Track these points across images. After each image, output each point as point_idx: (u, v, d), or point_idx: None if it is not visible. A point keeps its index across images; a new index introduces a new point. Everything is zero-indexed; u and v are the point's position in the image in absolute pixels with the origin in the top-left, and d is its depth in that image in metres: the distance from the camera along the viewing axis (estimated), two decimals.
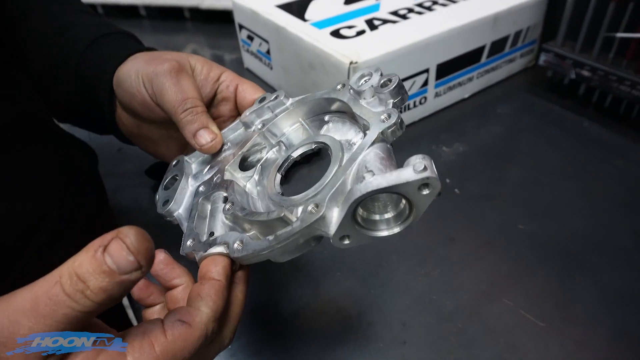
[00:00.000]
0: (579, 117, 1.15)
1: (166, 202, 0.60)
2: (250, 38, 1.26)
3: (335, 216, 0.42)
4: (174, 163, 0.66)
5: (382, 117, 0.47)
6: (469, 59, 1.14)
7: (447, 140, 1.09)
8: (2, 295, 0.34)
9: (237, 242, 0.48)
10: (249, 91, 0.66)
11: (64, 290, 0.32)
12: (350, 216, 0.42)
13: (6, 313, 0.32)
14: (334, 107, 0.57)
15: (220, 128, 0.65)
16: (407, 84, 1.06)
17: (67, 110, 0.75)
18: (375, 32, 1.05)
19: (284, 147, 0.60)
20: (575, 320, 0.72)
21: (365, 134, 0.50)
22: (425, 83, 1.09)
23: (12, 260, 0.56)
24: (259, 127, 0.60)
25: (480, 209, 0.92)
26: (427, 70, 1.07)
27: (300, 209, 0.48)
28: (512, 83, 1.30)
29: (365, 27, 1.07)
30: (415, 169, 0.38)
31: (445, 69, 1.11)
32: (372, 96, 0.50)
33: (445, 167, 1.02)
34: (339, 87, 0.55)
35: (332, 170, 0.49)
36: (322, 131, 0.57)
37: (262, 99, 0.62)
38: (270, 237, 0.45)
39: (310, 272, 0.81)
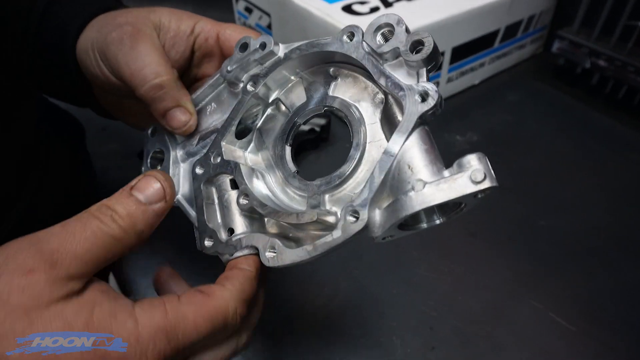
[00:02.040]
0: (589, 108, 1.11)
1: None
2: (249, 10, 1.16)
3: (377, 219, 0.38)
4: (149, 131, 0.56)
5: (418, 95, 0.38)
6: (483, 43, 1.09)
7: (459, 129, 1.04)
8: None
9: (269, 249, 0.42)
10: (233, 37, 0.53)
11: (92, 213, 0.36)
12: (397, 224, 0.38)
13: (37, 239, 0.34)
14: (339, 57, 0.46)
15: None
16: None
17: (33, 79, 0.64)
18: (390, 9, 0.98)
19: (283, 107, 0.51)
20: (607, 323, 0.69)
21: (386, 98, 0.43)
22: (439, 67, 1.03)
23: None
24: (249, 87, 0.49)
25: (500, 202, 0.87)
26: (442, 54, 1.01)
27: (327, 196, 0.43)
28: (520, 70, 1.25)
29: (378, 3, 1.00)
30: (473, 178, 0.34)
31: (460, 53, 1.05)
32: (396, 58, 0.41)
33: (460, 156, 0.96)
34: (345, 37, 0.44)
35: (357, 152, 0.43)
36: (330, 90, 0.48)
37: (244, 46, 0.50)
38: (309, 248, 0.40)
39: (325, 269, 0.75)
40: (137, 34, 0.50)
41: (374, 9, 0.97)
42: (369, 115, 0.45)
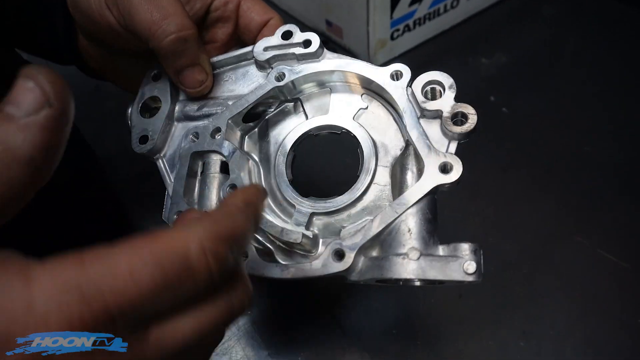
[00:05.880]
0: None
1: (144, 138, 0.48)
2: None
3: (359, 266, 0.39)
4: (152, 74, 0.52)
5: (441, 164, 0.38)
6: None
7: (485, 50, 0.91)
8: None
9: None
10: (256, 10, 0.50)
11: None
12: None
13: None
14: (376, 87, 0.44)
15: (211, 55, 0.50)
16: None
17: (10, 31, 0.57)
18: None
19: (301, 108, 0.48)
20: None
21: (406, 146, 0.41)
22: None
23: None
24: (276, 78, 0.46)
25: (535, 130, 0.76)
26: None
27: (314, 219, 0.43)
28: None
29: None
30: (465, 268, 0.35)
31: None
32: (434, 117, 0.40)
33: (486, 82, 0.85)
34: (392, 71, 0.43)
35: (360, 189, 0.43)
36: (355, 116, 0.46)
37: (287, 34, 0.46)
38: (284, 269, 0.39)
39: None
40: None
41: None
42: (384, 156, 0.44)
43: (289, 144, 0.47)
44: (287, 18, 0.99)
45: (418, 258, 0.36)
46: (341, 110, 0.47)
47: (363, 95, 0.46)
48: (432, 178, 0.38)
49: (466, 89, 0.83)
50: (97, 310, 0.24)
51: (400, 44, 0.89)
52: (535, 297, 0.57)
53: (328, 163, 0.71)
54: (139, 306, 0.26)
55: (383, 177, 0.44)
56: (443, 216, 0.64)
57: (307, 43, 0.46)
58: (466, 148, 0.72)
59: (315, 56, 0.45)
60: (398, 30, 0.86)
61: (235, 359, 0.54)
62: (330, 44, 0.92)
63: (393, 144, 0.44)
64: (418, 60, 0.90)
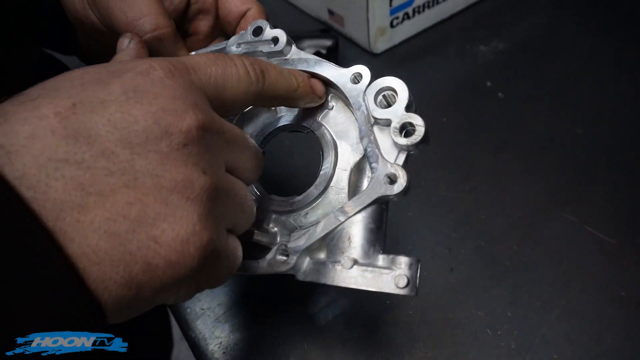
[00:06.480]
0: None
1: None
2: None
3: (304, 267, 0.40)
4: None
5: (386, 175, 0.38)
6: None
7: (483, 38, 0.93)
8: None
9: None
10: (234, 1, 0.51)
11: None
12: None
13: None
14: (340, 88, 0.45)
15: (194, 48, 0.51)
16: None
17: (11, 27, 0.60)
18: None
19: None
20: None
21: (365, 150, 0.41)
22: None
23: None
24: None
25: (529, 112, 0.78)
26: None
27: (273, 216, 0.45)
28: None
29: None
30: (396, 282, 0.36)
31: None
32: (387, 125, 0.40)
33: (484, 68, 0.87)
34: (352, 74, 0.43)
35: (317, 191, 0.44)
36: (321, 117, 0.47)
37: (258, 31, 0.47)
38: None
39: None
40: None
41: None
42: (344, 159, 0.45)
43: (258, 140, 0.49)
44: (290, 8, 1.02)
45: (351, 267, 0.37)
46: (309, 109, 0.48)
47: (330, 95, 0.47)
48: (376, 189, 0.38)
49: (464, 75, 0.87)
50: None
51: (400, 31, 0.91)
52: (523, 270, 0.59)
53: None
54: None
55: (342, 180, 0.44)
56: (436, 196, 0.68)
57: (275, 40, 0.46)
58: (464, 130, 0.75)
59: (282, 54, 0.46)
60: (397, 18, 0.89)
61: (233, 329, 0.57)
62: (333, 32, 0.94)
63: (354, 147, 0.44)
64: (418, 48, 0.92)
